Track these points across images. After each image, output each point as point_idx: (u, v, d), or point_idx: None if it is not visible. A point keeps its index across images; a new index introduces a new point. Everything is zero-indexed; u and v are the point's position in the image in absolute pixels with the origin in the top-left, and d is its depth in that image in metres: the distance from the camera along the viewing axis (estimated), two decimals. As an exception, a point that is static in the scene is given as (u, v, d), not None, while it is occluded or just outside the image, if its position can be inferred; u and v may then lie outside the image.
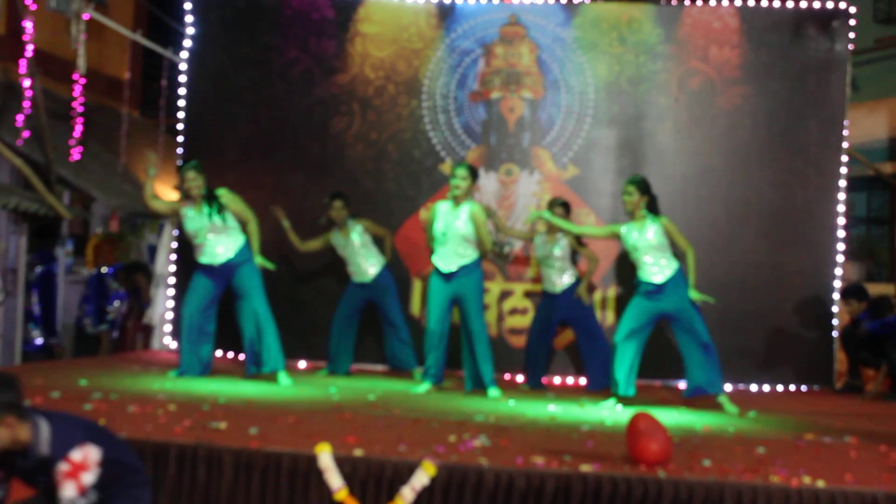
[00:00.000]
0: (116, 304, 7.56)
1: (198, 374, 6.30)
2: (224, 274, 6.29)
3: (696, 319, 5.93)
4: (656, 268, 5.93)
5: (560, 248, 6.69)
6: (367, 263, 6.88)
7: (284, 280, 7.42)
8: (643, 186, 6.00)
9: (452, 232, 6.20)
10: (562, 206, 6.71)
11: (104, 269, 8.12)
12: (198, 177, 6.22)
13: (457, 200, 6.25)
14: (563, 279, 6.73)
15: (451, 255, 6.23)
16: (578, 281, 6.78)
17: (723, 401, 5.94)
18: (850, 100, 7.62)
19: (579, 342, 6.94)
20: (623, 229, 6.08)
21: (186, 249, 7.81)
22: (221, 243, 6.25)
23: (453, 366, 6.59)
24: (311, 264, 7.52)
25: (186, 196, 6.29)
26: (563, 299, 6.73)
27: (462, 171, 6.25)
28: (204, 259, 6.30)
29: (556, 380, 7.33)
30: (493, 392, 6.14)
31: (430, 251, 6.44)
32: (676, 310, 5.93)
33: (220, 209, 6.23)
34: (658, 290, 5.91)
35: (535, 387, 6.85)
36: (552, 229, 6.70)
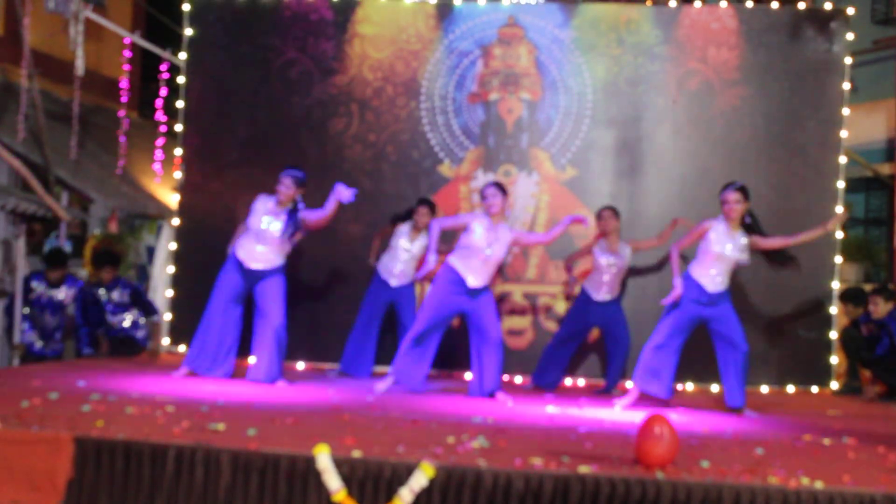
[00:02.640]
0: (113, 320, 7.45)
1: (214, 373, 6.24)
2: (252, 278, 6.23)
3: (738, 329, 5.90)
4: (721, 278, 5.90)
5: (624, 259, 6.72)
6: (413, 270, 6.89)
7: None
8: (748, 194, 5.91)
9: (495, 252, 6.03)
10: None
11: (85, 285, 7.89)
12: (292, 187, 6.15)
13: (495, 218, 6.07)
14: (614, 290, 6.75)
15: (482, 273, 6.05)
16: (621, 295, 6.85)
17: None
18: (848, 101, 7.63)
19: (607, 347, 6.91)
20: (715, 233, 5.88)
21: (186, 251, 7.83)
22: (267, 253, 6.19)
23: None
24: (309, 263, 7.52)
25: (277, 201, 6.21)
26: (607, 309, 6.74)
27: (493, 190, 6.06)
28: (242, 254, 6.21)
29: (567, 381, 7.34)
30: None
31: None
32: (720, 318, 5.90)
33: (295, 227, 6.16)
34: (711, 299, 5.88)
35: (548, 387, 6.80)
36: (616, 237, 6.72)
